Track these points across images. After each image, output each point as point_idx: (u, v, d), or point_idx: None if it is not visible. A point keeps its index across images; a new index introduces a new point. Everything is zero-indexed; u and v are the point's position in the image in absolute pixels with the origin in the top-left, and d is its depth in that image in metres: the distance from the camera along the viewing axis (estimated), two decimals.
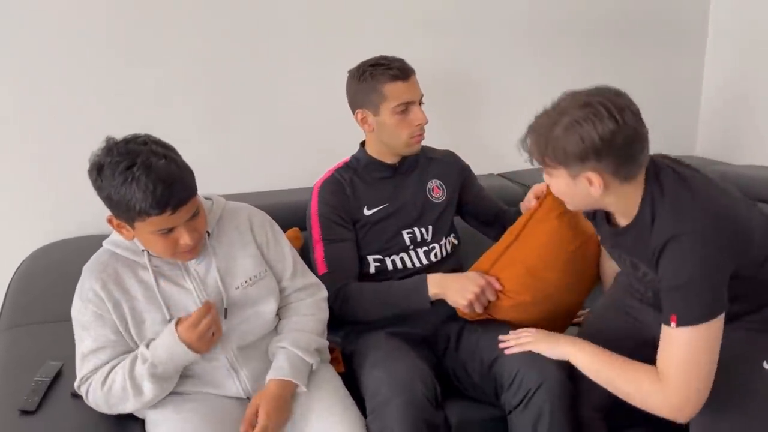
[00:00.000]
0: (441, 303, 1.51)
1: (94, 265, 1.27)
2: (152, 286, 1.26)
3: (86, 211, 1.66)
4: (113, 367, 1.23)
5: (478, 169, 2.03)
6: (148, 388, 1.21)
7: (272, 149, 2.08)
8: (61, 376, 1.36)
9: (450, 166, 1.76)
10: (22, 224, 1.90)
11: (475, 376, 1.49)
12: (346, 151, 1.72)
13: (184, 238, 1.19)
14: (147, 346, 1.23)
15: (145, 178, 1.10)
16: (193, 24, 1.91)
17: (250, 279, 1.35)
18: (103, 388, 1.22)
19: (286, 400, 1.30)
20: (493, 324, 1.52)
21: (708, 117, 2.59)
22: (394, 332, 1.55)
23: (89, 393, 1.24)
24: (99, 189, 1.16)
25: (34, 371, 1.35)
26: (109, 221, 1.22)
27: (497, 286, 1.48)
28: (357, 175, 1.65)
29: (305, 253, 1.65)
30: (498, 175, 2.31)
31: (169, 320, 1.25)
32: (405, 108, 1.54)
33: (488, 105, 2.32)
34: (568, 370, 1.41)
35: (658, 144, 2.42)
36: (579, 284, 1.56)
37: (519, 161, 2.32)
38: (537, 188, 1.57)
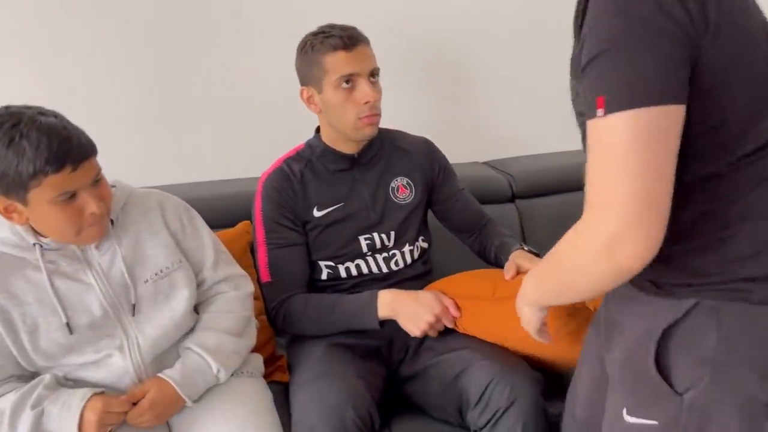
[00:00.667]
0: None
1: None
2: (45, 286, 1.11)
3: None
4: None
5: (460, 157, 1.86)
6: None
7: (220, 134, 1.86)
8: None
9: (422, 159, 1.53)
10: None
11: (435, 390, 1.34)
12: (302, 137, 1.53)
13: (90, 206, 1.06)
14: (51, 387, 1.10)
15: (36, 133, 0.99)
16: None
17: (162, 271, 1.21)
18: None
19: (172, 405, 1.16)
20: (457, 334, 1.37)
21: None
22: (339, 343, 1.39)
23: None
24: None
25: None
26: None
27: (455, 313, 1.32)
28: (309, 167, 1.45)
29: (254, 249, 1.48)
30: (483, 163, 2.13)
31: (66, 323, 1.11)
32: (349, 82, 1.33)
33: (473, 88, 2.10)
34: (543, 386, 1.27)
35: None
36: (551, 354, 1.32)
37: (505, 149, 2.22)
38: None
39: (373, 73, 1.37)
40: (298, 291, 1.42)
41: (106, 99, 1.72)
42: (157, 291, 1.20)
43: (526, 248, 1.43)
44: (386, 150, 1.50)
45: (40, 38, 1.64)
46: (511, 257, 1.39)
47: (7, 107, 1.04)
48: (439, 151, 1.58)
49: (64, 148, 1.00)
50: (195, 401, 1.17)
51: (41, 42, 1.64)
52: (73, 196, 1.05)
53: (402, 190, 1.49)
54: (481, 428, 1.24)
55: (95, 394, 1.08)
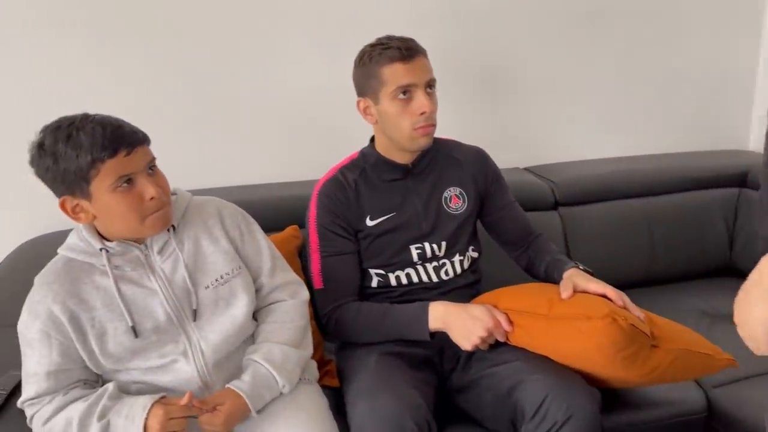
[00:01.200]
0: None
1: (47, 275, 1.15)
2: (112, 291, 1.14)
3: None
4: (58, 410, 1.11)
5: (501, 162, 1.84)
6: None
7: (269, 137, 1.88)
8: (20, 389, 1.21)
9: (475, 169, 1.52)
10: (6, 214, 1.75)
11: (488, 402, 1.32)
12: (354, 144, 1.52)
13: (149, 191, 1.10)
14: (114, 397, 1.12)
15: (90, 125, 1.06)
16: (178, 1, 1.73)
17: (222, 277, 1.23)
18: (44, 426, 1.10)
19: (241, 416, 1.18)
20: (509, 344, 1.35)
21: (763, 108, 2.32)
22: (390, 352, 1.38)
23: (33, 420, 1.13)
24: (45, 167, 1.06)
25: None
26: (62, 206, 1.11)
27: (507, 327, 1.31)
28: (363, 176, 1.45)
29: (303, 253, 1.50)
30: (524, 169, 2.11)
31: (132, 327, 1.14)
32: (406, 93, 1.34)
33: (514, 93, 2.09)
34: (599, 401, 1.25)
35: (707, 138, 2.26)
36: (606, 375, 1.30)
37: (547, 155, 2.20)
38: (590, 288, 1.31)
39: (430, 84, 1.36)
40: (350, 299, 1.42)
41: (160, 103, 1.76)
42: (218, 297, 1.22)
43: (581, 267, 1.41)
44: (440, 160, 1.49)
45: (93, 50, 1.69)
46: (565, 275, 1.37)
47: (63, 116, 1.09)
48: (492, 162, 1.57)
49: (117, 133, 1.06)
50: (258, 412, 1.19)
51: (92, 53, 1.69)
52: (130, 181, 1.08)
53: (455, 200, 1.49)
54: None
55: (156, 401, 1.09)
